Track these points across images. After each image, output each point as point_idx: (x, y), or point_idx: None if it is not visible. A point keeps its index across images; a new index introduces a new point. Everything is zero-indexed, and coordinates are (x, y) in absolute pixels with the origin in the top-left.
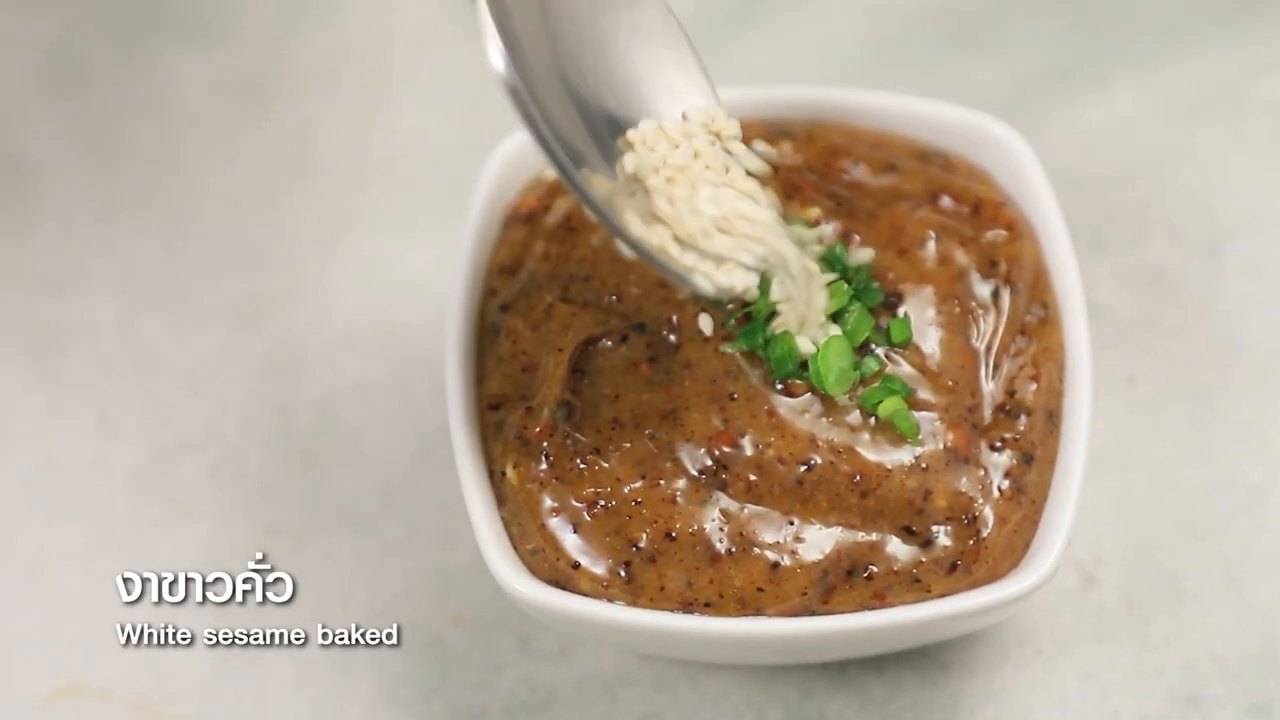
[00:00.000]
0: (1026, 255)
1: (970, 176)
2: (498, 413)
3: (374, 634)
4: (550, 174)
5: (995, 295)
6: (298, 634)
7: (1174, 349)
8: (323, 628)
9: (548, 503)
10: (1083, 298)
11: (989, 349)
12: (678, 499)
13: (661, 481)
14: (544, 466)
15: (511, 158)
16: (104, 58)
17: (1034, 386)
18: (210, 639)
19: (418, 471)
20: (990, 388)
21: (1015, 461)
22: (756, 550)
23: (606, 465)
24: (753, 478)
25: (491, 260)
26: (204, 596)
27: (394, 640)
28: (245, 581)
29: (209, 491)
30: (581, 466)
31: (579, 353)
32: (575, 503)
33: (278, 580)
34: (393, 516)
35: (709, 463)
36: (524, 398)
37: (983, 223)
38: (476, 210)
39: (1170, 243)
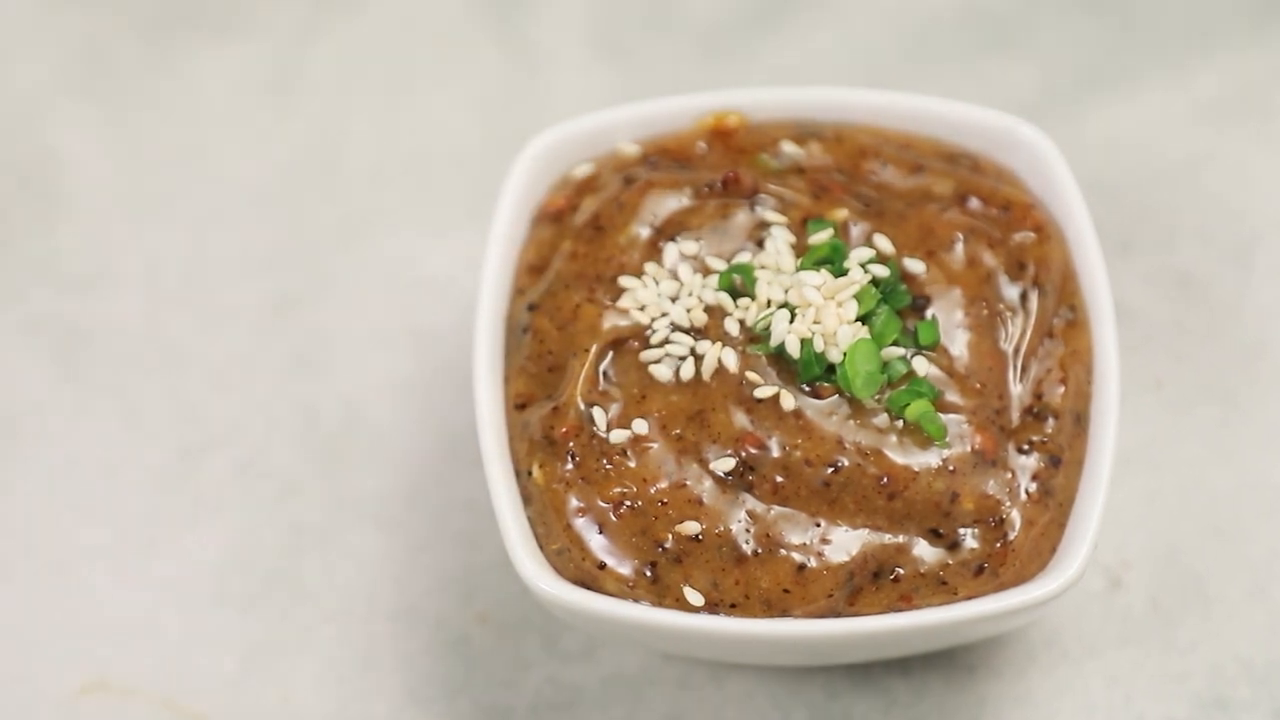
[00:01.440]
0: (1055, 258)
1: (998, 178)
2: (524, 412)
3: (399, 632)
4: (578, 172)
5: (1023, 297)
6: (322, 632)
7: (1202, 352)
8: (348, 626)
9: (573, 503)
10: (1111, 300)
11: (1017, 351)
12: (704, 500)
13: (688, 482)
14: (570, 466)
15: (540, 157)
16: (132, 55)
17: (1061, 389)
18: (235, 636)
19: (444, 470)
20: (1018, 390)
21: (1042, 464)
22: (783, 552)
23: (632, 466)
24: (779, 479)
25: (519, 260)
26: (229, 594)
27: (419, 639)
28: (270, 579)
29: (235, 489)
30: (608, 467)
31: (605, 353)
32: (601, 503)
33: (302, 578)
34: (419, 515)
35: (735, 464)
36: (550, 398)
37: (1011, 225)
38: (504, 209)
39: (1199, 246)
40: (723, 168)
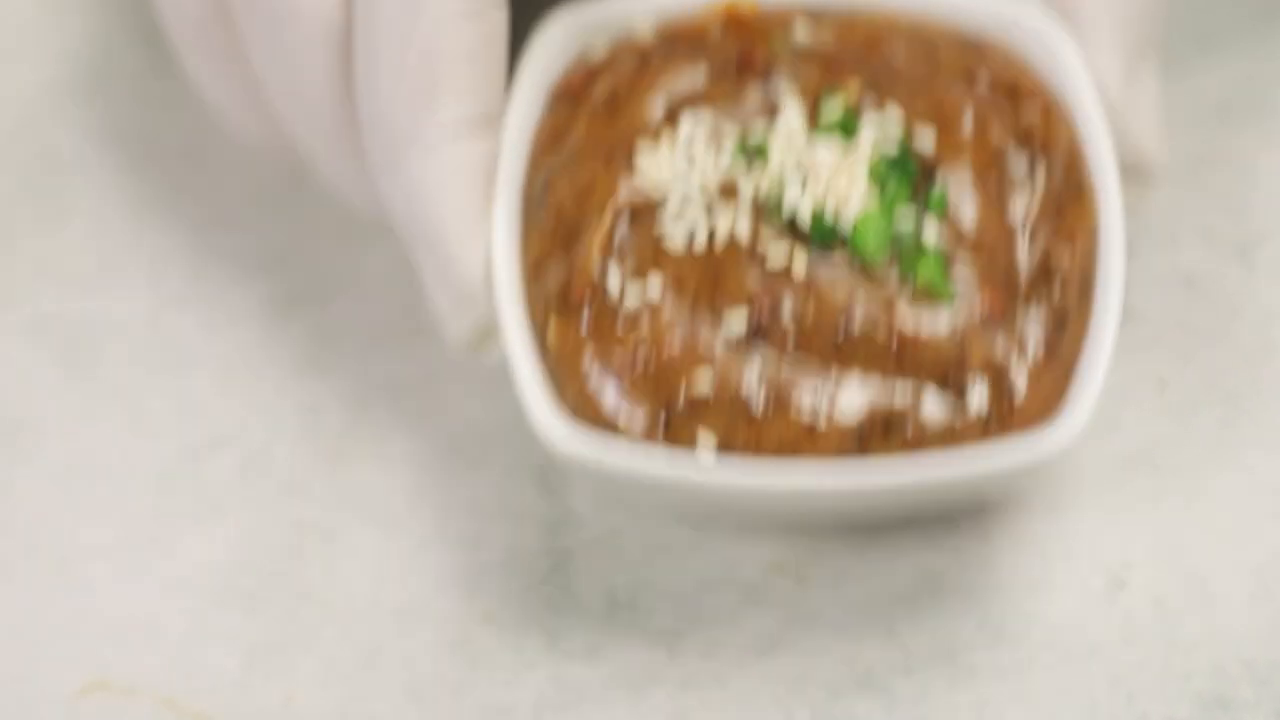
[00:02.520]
0: (1061, 134)
1: (1008, 62)
2: (540, 276)
3: (401, 631)
4: (594, 53)
5: (1031, 170)
6: (325, 631)
7: (1206, 352)
8: (350, 625)
9: (588, 362)
10: (1116, 173)
11: (1025, 220)
12: (716, 360)
13: (700, 343)
14: (584, 327)
15: (557, 37)
16: (134, 56)
17: (1068, 255)
18: (237, 636)
19: (447, 470)
20: (1025, 255)
21: (1049, 325)
22: (794, 409)
23: (646, 326)
24: (791, 341)
25: (536, 136)
26: (231, 593)
27: (421, 638)
28: (273, 578)
29: (239, 488)
30: (621, 327)
31: (620, 221)
32: (615, 362)
33: (305, 578)
34: (422, 514)
35: (748, 326)
36: (566, 263)
37: (1019, 103)
38: (522, 86)
39: (1202, 246)
40: (737, 50)
